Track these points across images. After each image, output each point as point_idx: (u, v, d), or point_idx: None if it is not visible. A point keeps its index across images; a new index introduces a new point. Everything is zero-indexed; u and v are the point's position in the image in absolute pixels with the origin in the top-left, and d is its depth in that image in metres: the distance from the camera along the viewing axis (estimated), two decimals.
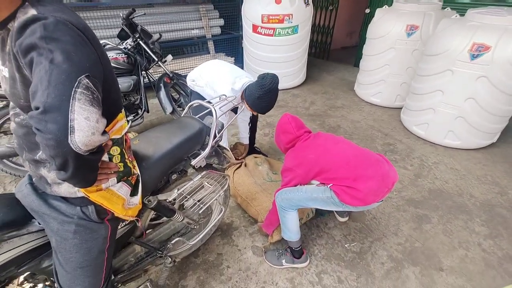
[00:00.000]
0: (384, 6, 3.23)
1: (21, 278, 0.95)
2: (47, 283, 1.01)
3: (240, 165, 2.07)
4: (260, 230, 1.72)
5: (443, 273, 1.55)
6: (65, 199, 0.81)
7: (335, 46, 5.61)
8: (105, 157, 0.81)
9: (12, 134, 2.21)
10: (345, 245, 1.70)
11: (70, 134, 0.54)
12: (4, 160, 2.04)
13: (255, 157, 2.12)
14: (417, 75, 2.69)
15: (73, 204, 0.81)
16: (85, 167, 0.64)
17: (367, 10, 4.20)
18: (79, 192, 0.80)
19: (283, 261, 1.55)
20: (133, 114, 2.55)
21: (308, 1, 3.48)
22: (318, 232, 1.79)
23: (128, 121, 2.50)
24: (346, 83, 4.12)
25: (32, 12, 0.60)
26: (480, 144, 2.56)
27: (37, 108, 0.54)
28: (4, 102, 2.02)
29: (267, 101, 1.61)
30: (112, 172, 0.83)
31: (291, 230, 1.45)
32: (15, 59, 0.62)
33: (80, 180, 0.68)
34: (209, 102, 1.38)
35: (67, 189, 0.80)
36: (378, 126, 3.02)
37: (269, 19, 3.33)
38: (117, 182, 0.87)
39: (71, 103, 0.54)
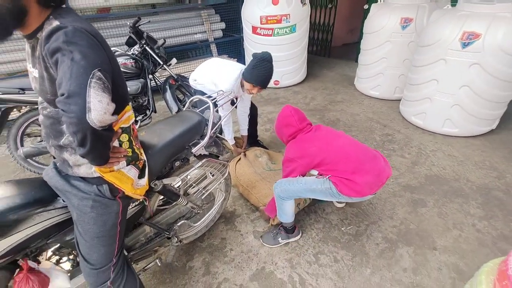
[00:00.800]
0: (380, 1, 3.30)
1: (49, 252, 1.12)
2: (70, 257, 1.17)
3: (240, 157, 2.20)
4: (262, 214, 1.84)
5: (436, 252, 1.61)
6: (83, 179, 0.97)
7: (336, 43, 5.68)
8: (116, 143, 0.96)
9: (34, 136, 2.44)
10: (342, 228, 1.79)
11: (88, 112, 0.70)
12: (29, 160, 2.26)
13: (255, 150, 2.25)
14: (412, 66, 2.75)
15: (90, 183, 0.97)
16: (100, 142, 0.79)
17: (366, 6, 4.27)
18: (95, 173, 0.95)
19: (279, 239, 1.67)
20: (142, 115, 2.73)
21: (304, 0, 3.59)
22: (316, 217, 1.89)
23: (137, 120, 2.70)
24: (346, 79, 4.19)
25: (56, 23, 0.76)
26: (479, 131, 2.59)
27: (62, 95, 0.70)
28: (28, 108, 2.24)
29: (262, 70, 1.76)
30: (122, 156, 0.98)
31: (287, 213, 1.57)
32: (44, 61, 0.78)
33: (96, 156, 0.82)
34: (208, 97, 1.52)
35: (85, 170, 0.95)
36: (377, 118, 3.08)
37: (267, 20, 3.47)
38: (127, 165, 1.02)
39: (87, 90, 0.70)
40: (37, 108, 2.25)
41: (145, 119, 2.75)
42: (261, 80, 1.80)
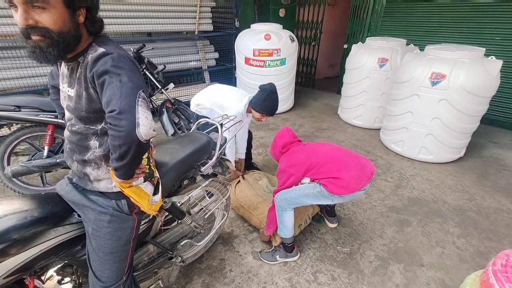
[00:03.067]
0: (359, 43, 3.74)
1: (52, 271, 1.08)
2: (73, 277, 1.14)
3: (239, 180, 2.26)
4: (263, 237, 1.86)
5: (424, 268, 1.73)
6: (102, 193, 1.00)
7: (318, 76, 6.17)
8: None
9: (21, 155, 2.36)
10: (337, 247, 1.87)
11: (137, 127, 0.78)
12: (14, 179, 2.15)
13: (254, 173, 2.34)
14: (390, 99, 3.09)
15: (109, 197, 1.00)
16: (139, 156, 0.86)
17: (345, 46, 4.78)
18: (115, 188, 0.99)
19: (277, 256, 1.71)
20: None
21: (293, 38, 3.98)
22: (311, 237, 1.96)
23: None
24: (330, 108, 4.52)
25: (102, 49, 0.86)
26: (449, 158, 2.89)
27: (113, 111, 0.78)
28: (19, 125, 2.20)
29: (271, 101, 1.95)
30: (141, 172, 1.04)
31: (287, 227, 1.64)
32: (85, 82, 0.86)
33: (128, 169, 0.88)
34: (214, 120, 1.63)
35: (105, 185, 0.99)
36: (360, 144, 3.33)
37: (259, 53, 3.77)
38: (144, 181, 1.07)
39: (136, 107, 0.79)
40: (29, 126, 2.23)
41: None
42: (271, 109, 1.99)
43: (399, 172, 2.77)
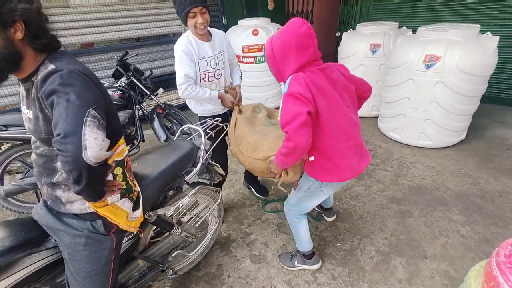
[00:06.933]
0: (349, 30, 3.63)
1: None
2: None
3: (236, 120, 1.78)
4: (273, 165, 1.36)
5: (427, 260, 1.67)
6: (76, 215, 0.96)
7: None
8: (110, 177, 0.98)
9: (15, 173, 2.35)
10: (337, 245, 1.82)
11: (84, 150, 0.73)
12: (9, 198, 2.15)
13: (253, 104, 1.91)
14: (385, 86, 2.99)
15: (84, 219, 0.96)
16: (95, 179, 0.81)
17: (338, 34, 4.66)
18: (89, 208, 0.95)
19: (295, 262, 1.65)
20: (130, 145, 2.72)
21: None
22: (310, 236, 1.90)
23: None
24: None
25: (51, 66, 0.80)
26: (450, 142, 2.79)
27: (58, 135, 0.73)
28: (9, 144, 2.18)
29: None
30: (117, 189, 0.99)
31: (304, 240, 1.58)
32: (39, 103, 0.81)
33: (91, 192, 0.84)
34: (198, 125, 1.58)
35: (78, 206, 0.95)
36: None
37: (249, 49, 3.68)
38: (121, 198, 1.03)
39: (83, 129, 0.73)
40: (19, 144, 2.20)
41: (133, 148, 2.75)
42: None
43: (398, 160, 2.69)
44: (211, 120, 1.69)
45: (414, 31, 2.95)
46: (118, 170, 1.01)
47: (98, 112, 0.77)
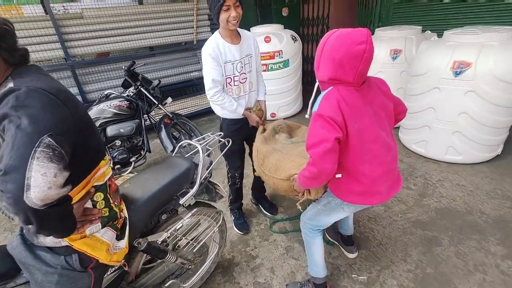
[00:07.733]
0: None
1: None
2: None
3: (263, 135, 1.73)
4: (295, 184, 1.28)
5: None
6: (50, 249, 0.85)
7: None
8: (88, 204, 0.86)
9: None
10: (352, 275, 1.61)
11: (26, 191, 0.60)
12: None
13: (273, 123, 1.83)
14: (407, 95, 2.74)
15: (58, 253, 0.85)
16: (50, 220, 0.68)
17: None
18: (63, 241, 0.84)
19: None
20: (136, 155, 2.67)
21: (295, 37, 3.74)
22: None
23: (131, 162, 2.62)
24: None
25: (10, 85, 0.69)
26: (484, 158, 2.49)
27: (0, 170, 0.61)
28: None
29: None
30: (96, 218, 0.88)
31: (317, 263, 1.43)
32: None
33: (53, 232, 0.72)
34: (198, 140, 1.45)
35: (52, 239, 0.84)
36: None
37: (261, 57, 3.56)
38: (102, 227, 0.91)
39: (29, 162, 0.60)
40: None
41: (140, 159, 2.69)
42: None
43: (423, 177, 2.43)
44: (212, 135, 1.56)
45: (439, 35, 2.69)
46: (99, 196, 0.89)
47: (55, 139, 0.65)
